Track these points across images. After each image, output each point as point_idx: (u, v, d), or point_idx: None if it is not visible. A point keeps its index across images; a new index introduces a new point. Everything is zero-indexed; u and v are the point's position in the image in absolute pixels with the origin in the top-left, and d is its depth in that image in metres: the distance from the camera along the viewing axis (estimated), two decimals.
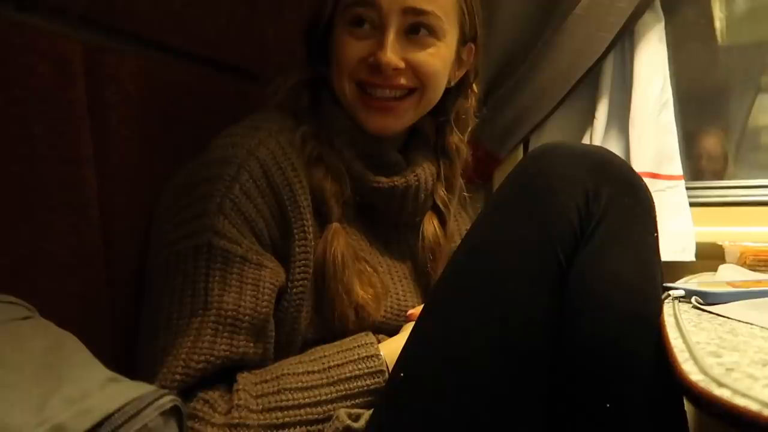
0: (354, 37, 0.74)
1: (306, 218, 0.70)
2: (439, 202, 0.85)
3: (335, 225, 0.73)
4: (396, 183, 0.78)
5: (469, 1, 0.79)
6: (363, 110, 0.75)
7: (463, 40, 0.81)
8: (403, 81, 0.74)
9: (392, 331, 0.77)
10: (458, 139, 0.87)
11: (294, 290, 0.69)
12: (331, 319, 0.71)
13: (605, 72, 1.20)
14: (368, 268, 0.75)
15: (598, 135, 1.18)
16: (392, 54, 0.72)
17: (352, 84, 0.75)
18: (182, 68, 0.85)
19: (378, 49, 0.72)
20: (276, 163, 0.69)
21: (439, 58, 0.76)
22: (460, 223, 0.95)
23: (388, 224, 0.82)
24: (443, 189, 0.86)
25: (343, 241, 0.72)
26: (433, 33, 0.74)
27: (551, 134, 1.24)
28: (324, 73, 0.79)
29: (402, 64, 0.73)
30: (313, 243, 0.70)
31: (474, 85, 0.88)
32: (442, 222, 0.85)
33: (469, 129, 0.89)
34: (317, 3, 0.78)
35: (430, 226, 0.84)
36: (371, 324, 0.74)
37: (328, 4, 0.77)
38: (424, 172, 0.81)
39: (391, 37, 0.72)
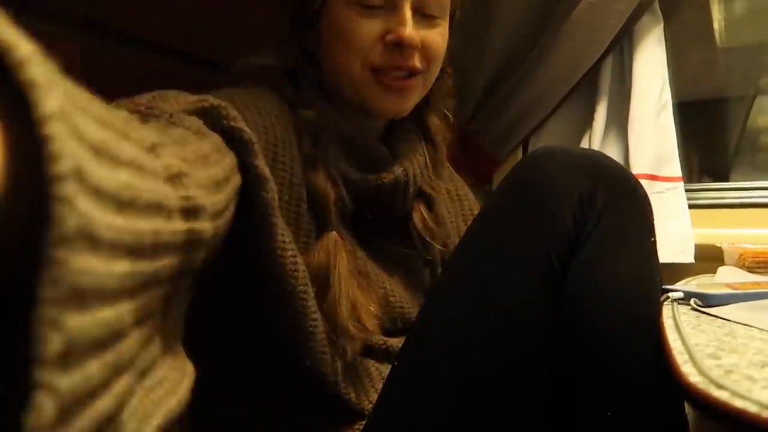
0: (363, 15, 0.68)
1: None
2: (426, 189, 0.81)
3: (334, 235, 0.68)
4: (384, 180, 0.72)
5: None
6: (377, 92, 0.71)
7: (450, 21, 0.79)
8: (416, 62, 0.70)
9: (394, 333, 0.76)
10: (439, 121, 0.83)
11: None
12: (333, 329, 0.67)
13: (604, 74, 1.20)
14: (366, 282, 0.72)
15: (597, 137, 1.18)
16: (413, 30, 0.68)
17: (365, 67, 0.70)
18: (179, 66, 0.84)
19: (396, 25, 0.68)
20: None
21: (443, 38, 0.74)
22: (473, 205, 0.93)
23: (376, 228, 0.77)
24: (430, 175, 0.82)
25: (345, 254, 0.68)
26: (440, 12, 0.72)
27: (550, 136, 1.25)
28: (303, 64, 0.74)
29: (419, 43, 0.70)
30: (313, 242, 0.68)
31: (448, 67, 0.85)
32: (430, 206, 0.81)
33: (450, 109, 0.85)
34: None
35: (418, 213, 0.80)
36: (371, 336, 0.70)
37: None
38: (412, 164, 0.76)
39: (408, 13, 0.68)
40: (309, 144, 0.69)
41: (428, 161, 0.81)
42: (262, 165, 0.49)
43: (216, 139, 0.45)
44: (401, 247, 0.80)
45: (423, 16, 0.71)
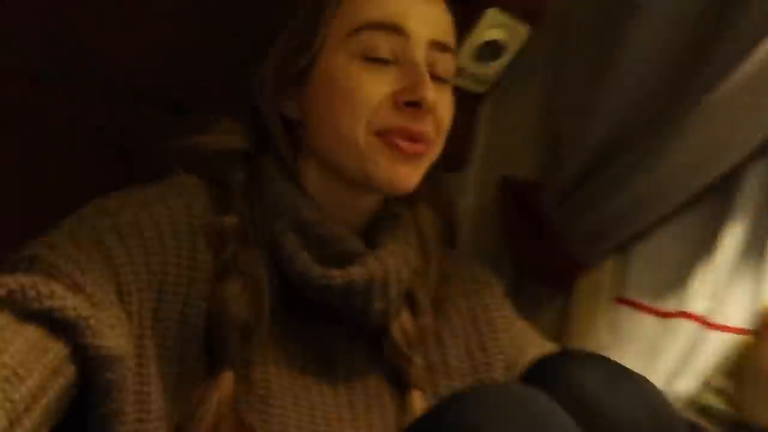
0: (370, 71, 0.59)
1: None
2: (415, 292, 0.67)
3: (226, 379, 0.55)
4: (354, 276, 0.59)
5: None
6: (385, 158, 0.60)
7: None
8: (427, 129, 0.61)
9: None
10: (431, 213, 0.72)
11: None
12: None
13: (748, 180, 0.86)
14: None
15: (723, 271, 0.85)
16: (432, 91, 0.58)
17: (370, 131, 0.59)
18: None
19: (412, 83, 0.58)
20: None
21: (451, 106, 0.64)
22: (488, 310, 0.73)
23: (338, 348, 0.64)
24: (421, 276, 0.68)
25: (226, 406, 0.54)
26: (450, 75, 0.64)
27: (655, 253, 0.94)
28: (269, 136, 0.64)
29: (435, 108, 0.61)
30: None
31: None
32: (415, 313, 0.67)
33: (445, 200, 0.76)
34: (298, 27, 0.63)
35: (399, 322, 0.65)
36: None
37: (319, 27, 0.61)
38: (395, 257, 0.62)
39: (424, 69, 0.59)
40: (232, 248, 0.58)
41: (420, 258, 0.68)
42: (104, 342, 0.42)
43: (29, 333, 0.39)
44: (372, 371, 0.65)
45: (432, 77, 0.60)
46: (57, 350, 0.40)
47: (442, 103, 0.62)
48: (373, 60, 0.59)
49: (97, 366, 0.42)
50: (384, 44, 0.59)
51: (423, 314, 0.67)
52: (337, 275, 0.59)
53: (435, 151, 0.63)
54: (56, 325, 0.40)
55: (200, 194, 0.60)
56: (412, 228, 0.68)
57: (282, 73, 0.63)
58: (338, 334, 0.63)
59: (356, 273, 0.59)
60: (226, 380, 0.55)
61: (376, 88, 0.59)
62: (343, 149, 0.61)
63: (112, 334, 0.43)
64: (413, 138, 0.59)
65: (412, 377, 0.65)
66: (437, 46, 0.61)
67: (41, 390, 0.37)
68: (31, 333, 0.39)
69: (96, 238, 0.50)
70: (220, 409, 0.54)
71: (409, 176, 0.61)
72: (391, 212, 0.68)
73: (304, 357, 0.62)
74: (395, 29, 0.59)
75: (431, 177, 0.66)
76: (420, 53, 0.59)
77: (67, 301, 0.41)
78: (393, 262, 0.62)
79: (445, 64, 0.62)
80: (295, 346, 0.62)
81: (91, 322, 0.41)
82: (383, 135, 0.59)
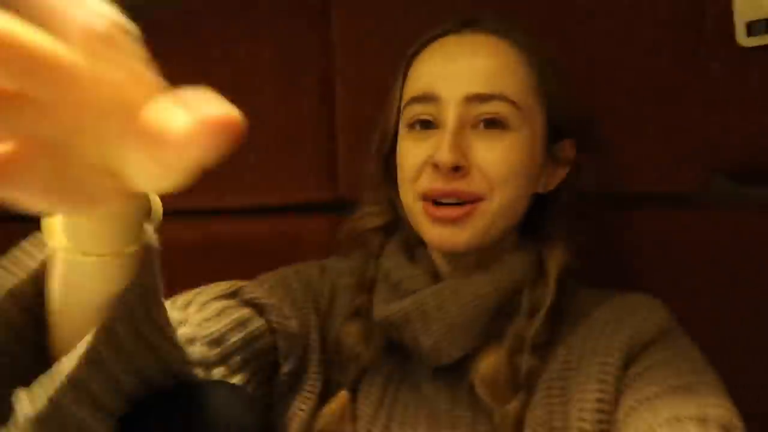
0: (415, 140, 0.64)
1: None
2: (508, 332, 0.62)
3: (345, 394, 0.66)
4: (388, 312, 0.64)
5: (554, 79, 0.65)
6: (427, 223, 0.63)
7: (554, 133, 0.66)
8: (466, 186, 0.61)
9: None
10: (559, 252, 0.65)
11: None
12: None
13: None
14: None
15: None
16: (450, 151, 0.59)
17: (417, 197, 0.64)
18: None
19: (437, 146, 0.61)
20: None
21: (514, 154, 0.62)
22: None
23: (420, 368, 0.66)
24: (534, 317, 0.62)
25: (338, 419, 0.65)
26: (505, 123, 0.61)
27: None
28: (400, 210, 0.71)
29: (463, 162, 0.60)
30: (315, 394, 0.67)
31: (577, 188, 0.68)
32: (509, 354, 0.61)
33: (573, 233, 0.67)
34: (384, 114, 0.71)
35: (490, 358, 0.61)
36: None
37: (393, 110, 0.69)
38: (441, 293, 0.62)
39: (450, 130, 0.61)
40: (363, 298, 0.70)
41: (538, 300, 0.63)
42: (284, 321, 0.65)
43: (243, 311, 0.63)
44: (465, 416, 0.63)
45: (487, 126, 0.62)
46: (259, 324, 0.63)
47: (489, 154, 0.61)
48: (421, 128, 0.64)
49: (280, 336, 0.63)
50: (423, 113, 0.63)
51: (515, 354, 0.61)
52: (378, 311, 0.65)
53: (498, 201, 0.61)
54: (256, 308, 0.63)
55: (353, 259, 0.74)
56: (518, 266, 0.64)
57: (380, 156, 0.71)
58: (423, 372, 0.65)
59: (395, 308, 0.63)
60: (341, 398, 0.65)
61: (416, 154, 0.63)
62: (409, 216, 0.66)
63: (290, 323, 0.65)
64: (447, 195, 0.61)
65: (496, 427, 0.60)
66: (476, 98, 0.61)
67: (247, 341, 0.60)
68: (243, 311, 0.62)
69: (281, 276, 0.72)
70: (332, 420, 0.64)
71: (452, 238, 0.62)
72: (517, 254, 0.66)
73: (396, 394, 0.66)
74: (430, 98, 0.63)
75: (567, 211, 0.67)
76: (451, 114, 0.61)
77: (259, 294, 0.65)
78: (436, 297, 0.62)
79: (495, 108, 0.61)
80: (391, 382, 0.67)
81: (276, 306, 0.64)
82: (425, 199, 0.63)
